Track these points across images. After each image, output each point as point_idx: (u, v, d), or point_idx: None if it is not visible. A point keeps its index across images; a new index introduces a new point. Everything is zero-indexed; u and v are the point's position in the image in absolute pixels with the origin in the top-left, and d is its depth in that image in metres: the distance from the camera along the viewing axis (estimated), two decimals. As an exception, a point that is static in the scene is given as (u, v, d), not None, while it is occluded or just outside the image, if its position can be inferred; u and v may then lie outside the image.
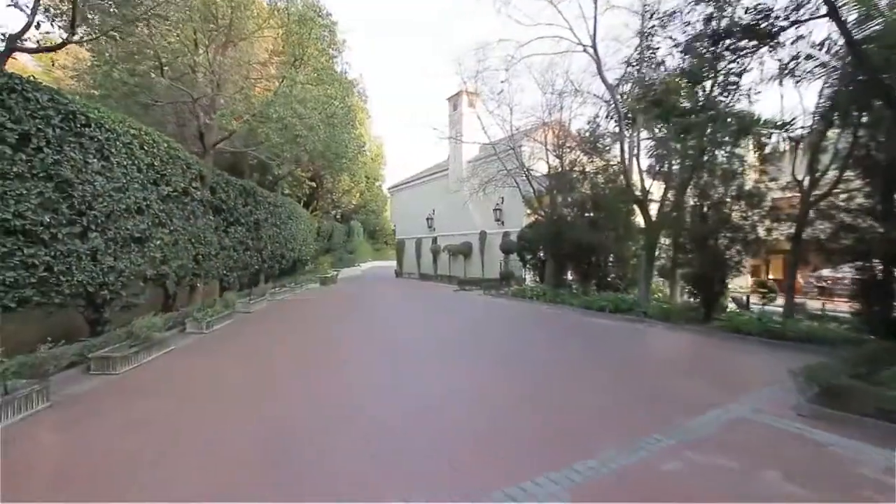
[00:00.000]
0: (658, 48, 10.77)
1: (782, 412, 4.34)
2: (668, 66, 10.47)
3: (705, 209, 9.62)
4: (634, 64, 11.25)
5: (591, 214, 12.44)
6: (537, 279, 17.47)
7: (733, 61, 8.56)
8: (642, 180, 11.48)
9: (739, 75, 9.03)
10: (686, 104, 9.90)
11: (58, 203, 5.37)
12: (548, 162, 15.21)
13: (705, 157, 9.42)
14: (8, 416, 4.09)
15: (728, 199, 9.24)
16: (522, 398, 4.92)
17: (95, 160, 6.01)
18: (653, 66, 10.77)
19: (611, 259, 13.50)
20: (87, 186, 5.83)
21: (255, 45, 11.15)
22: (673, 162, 10.63)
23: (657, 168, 11.02)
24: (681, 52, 9.41)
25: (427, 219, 26.39)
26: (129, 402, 4.87)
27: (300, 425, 4.13)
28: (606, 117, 11.86)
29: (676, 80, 9.78)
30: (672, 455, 3.45)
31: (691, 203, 9.97)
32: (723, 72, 9.03)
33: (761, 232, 9.42)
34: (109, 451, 3.61)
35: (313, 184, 22.80)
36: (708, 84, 9.59)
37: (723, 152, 9.62)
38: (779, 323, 8.00)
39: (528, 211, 20.75)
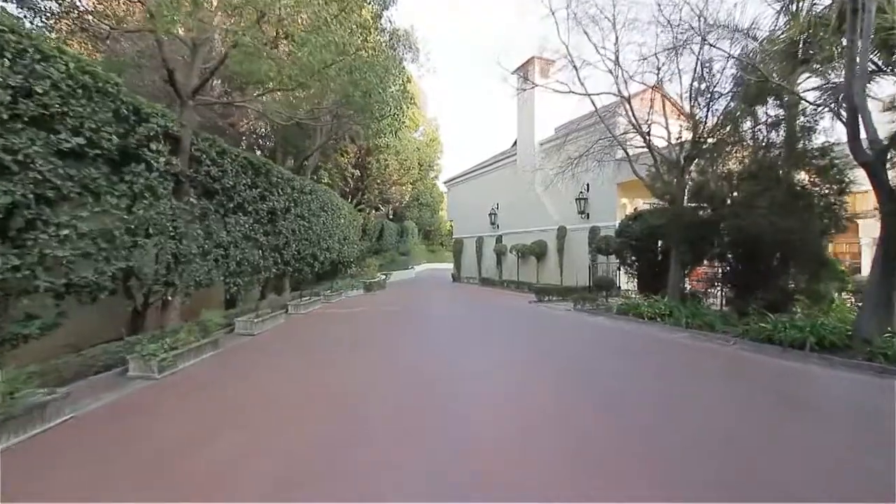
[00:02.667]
0: None
1: None
2: None
3: None
4: None
5: (762, 190, 7.74)
6: (636, 288, 12.90)
7: None
8: (869, 125, 6.69)
9: None
10: None
11: None
12: (667, 127, 10.66)
13: None
14: None
15: None
16: None
17: None
18: None
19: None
20: None
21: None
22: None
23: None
24: None
25: (489, 214, 22.44)
26: None
27: None
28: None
29: None
30: None
31: None
32: None
33: None
34: None
35: (357, 171, 19.61)
36: None
37: None
38: None
39: (624, 200, 16.23)
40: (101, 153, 5.16)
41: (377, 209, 26.07)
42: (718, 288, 11.00)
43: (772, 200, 7.17)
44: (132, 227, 5.83)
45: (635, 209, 14.95)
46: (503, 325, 9.97)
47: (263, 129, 13.78)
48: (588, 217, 16.29)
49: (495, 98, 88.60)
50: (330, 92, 8.33)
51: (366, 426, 3.99)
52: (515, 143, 21.53)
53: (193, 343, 6.36)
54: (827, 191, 7.56)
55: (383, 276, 21.09)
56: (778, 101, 8.00)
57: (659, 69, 9.99)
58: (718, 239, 8.26)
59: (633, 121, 10.09)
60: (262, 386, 5.34)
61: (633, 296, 12.59)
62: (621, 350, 7.36)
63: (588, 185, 15.80)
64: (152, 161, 6.16)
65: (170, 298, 6.94)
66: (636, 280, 12.91)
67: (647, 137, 9.99)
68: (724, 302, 10.67)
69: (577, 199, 16.34)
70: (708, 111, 9.06)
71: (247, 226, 8.98)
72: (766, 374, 5.89)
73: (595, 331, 9.03)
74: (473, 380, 5.52)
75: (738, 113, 8.44)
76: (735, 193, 7.94)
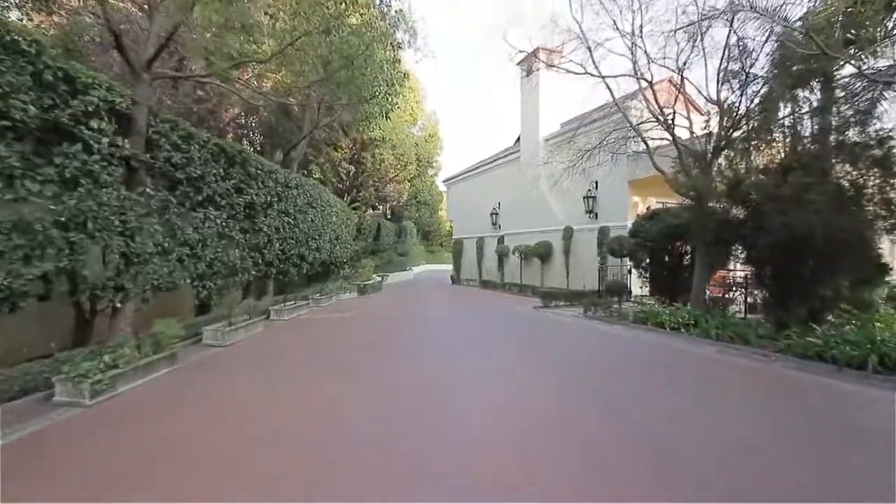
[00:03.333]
0: None
1: None
2: None
3: None
4: None
5: (811, 184, 6.69)
6: (650, 292, 11.85)
7: None
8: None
9: None
10: None
11: None
12: (689, 117, 9.65)
13: None
14: None
15: None
16: None
17: None
18: None
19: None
20: None
21: None
22: None
23: None
24: None
25: (491, 214, 21.40)
26: None
27: None
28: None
29: None
30: None
31: None
32: None
33: None
34: None
35: (351, 167, 18.57)
36: None
37: None
38: None
39: (636, 199, 15.21)
40: (11, 126, 4.13)
41: (374, 208, 25.01)
42: (741, 294, 10.00)
43: (824, 195, 6.15)
44: (63, 220, 4.80)
45: (648, 208, 13.95)
46: (510, 335, 8.91)
47: (250, 121, 12.73)
48: (596, 217, 15.28)
49: (495, 99, 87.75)
50: (309, 66, 7.25)
51: (346, 473, 2.96)
52: (518, 139, 20.53)
53: (141, 359, 5.33)
54: (886, 185, 6.55)
55: (379, 278, 20.07)
56: (827, 82, 6.98)
57: (693, 40, 8.69)
58: (753, 239, 7.25)
59: (655, 108, 9.05)
60: (220, 413, 4.31)
61: (647, 301, 11.59)
62: (652, 370, 6.32)
63: (597, 182, 14.82)
64: (92, 141, 5.13)
65: (118, 305, 5.90)
66: (650, 284, 11.88)
67: (672, 126, 8.94)
68: (747, 309, 9.68)
69: (584, 198, 15.33)
70: (742, 95, 8.01)
71: (219, 221, 7.96)
72: (825, 399, 4.88)
73: (613, 343, 7.98)
74: (478, 397, 4.48)
75: (780, 95, 7.40)
76: (775, 188, 6.91)
